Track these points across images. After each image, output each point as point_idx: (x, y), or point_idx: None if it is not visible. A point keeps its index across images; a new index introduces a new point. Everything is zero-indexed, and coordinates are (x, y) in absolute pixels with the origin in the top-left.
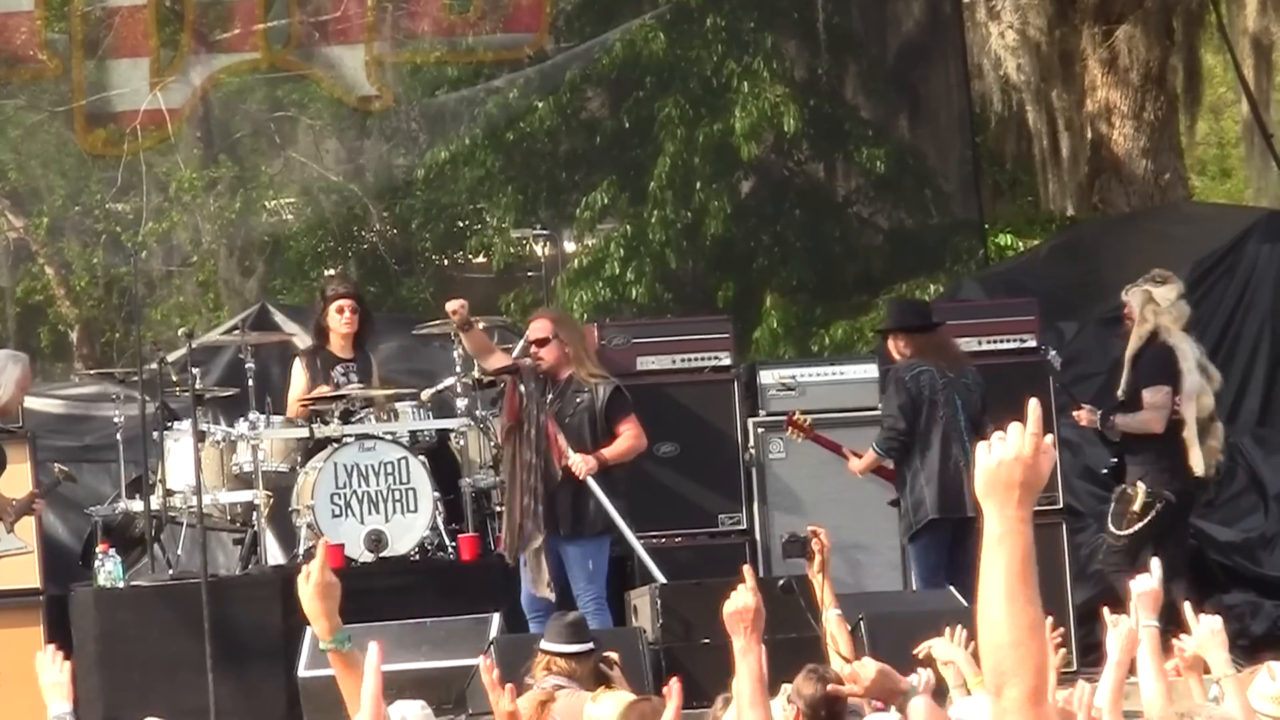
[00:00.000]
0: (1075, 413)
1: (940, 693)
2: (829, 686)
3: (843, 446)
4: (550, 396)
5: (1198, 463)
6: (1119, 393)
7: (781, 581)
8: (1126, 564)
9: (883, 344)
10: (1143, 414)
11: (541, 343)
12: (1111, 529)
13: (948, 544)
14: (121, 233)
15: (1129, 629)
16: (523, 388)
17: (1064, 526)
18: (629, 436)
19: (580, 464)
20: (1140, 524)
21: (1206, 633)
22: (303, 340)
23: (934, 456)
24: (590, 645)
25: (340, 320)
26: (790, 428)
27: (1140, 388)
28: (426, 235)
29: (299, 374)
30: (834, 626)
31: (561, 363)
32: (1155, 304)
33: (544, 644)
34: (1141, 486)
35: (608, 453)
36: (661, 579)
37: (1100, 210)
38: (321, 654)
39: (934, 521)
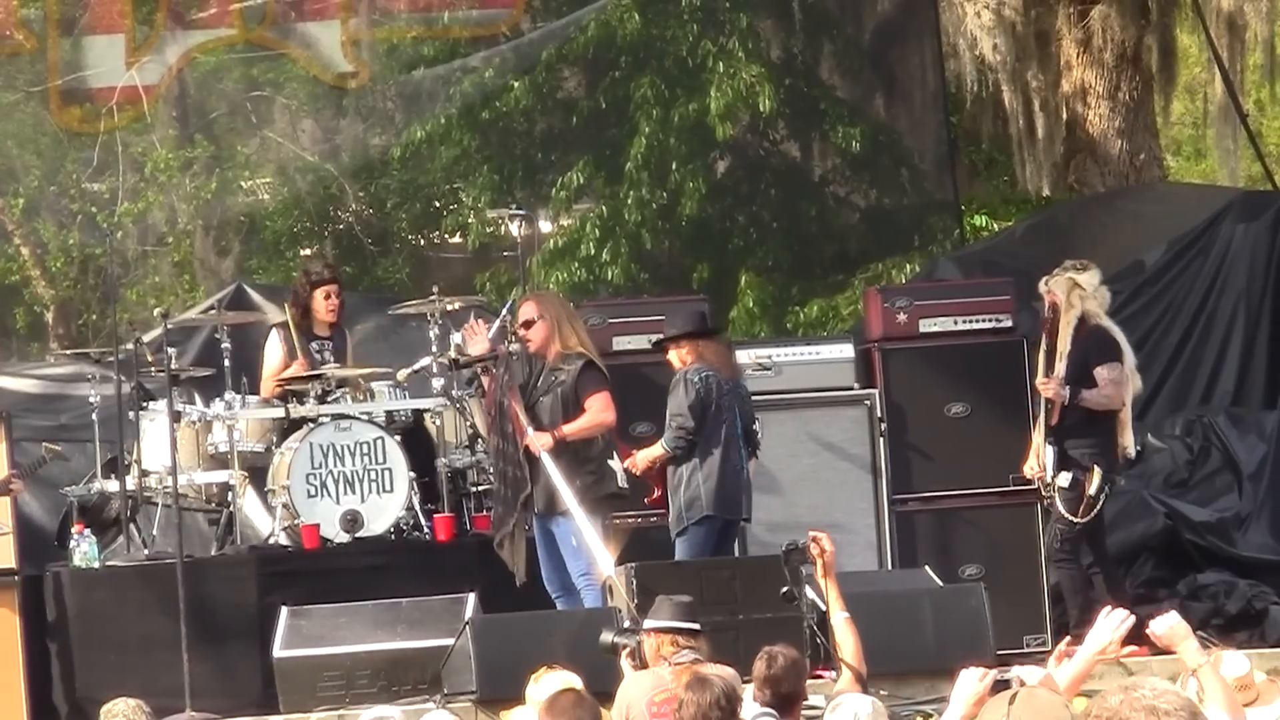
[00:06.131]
0: (1043, 381)
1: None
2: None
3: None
4: (529, 377)
5: (1130, 444)
6: (1044, 375)
7: (785, 590)
8: (1075, 554)
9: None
10: (1106, 390)
11: (528, 325)
12: (1067, 516)
13: (714, 541)
14: (97, 213)
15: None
16: (494, 372)
17: (1039, 507)
18: (592, 412)
19: (535, 441)
20: (1096, 508)
21: (1167, 629)
22: (277, 316)
23: (715, 457)
24: (698, 626)
25: (326, 306)
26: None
27: (1091, 367)
28: (402, 215)
29: (275, 348)
30: (841, 631)
31: (547, 343)
32: (1081, 289)
33: (658, 623)
34: (1097, 470)
35: (568, 429)
36: (610, 567)
37: (1076, 190)
38: (298, 634)
39: (707, 517)
